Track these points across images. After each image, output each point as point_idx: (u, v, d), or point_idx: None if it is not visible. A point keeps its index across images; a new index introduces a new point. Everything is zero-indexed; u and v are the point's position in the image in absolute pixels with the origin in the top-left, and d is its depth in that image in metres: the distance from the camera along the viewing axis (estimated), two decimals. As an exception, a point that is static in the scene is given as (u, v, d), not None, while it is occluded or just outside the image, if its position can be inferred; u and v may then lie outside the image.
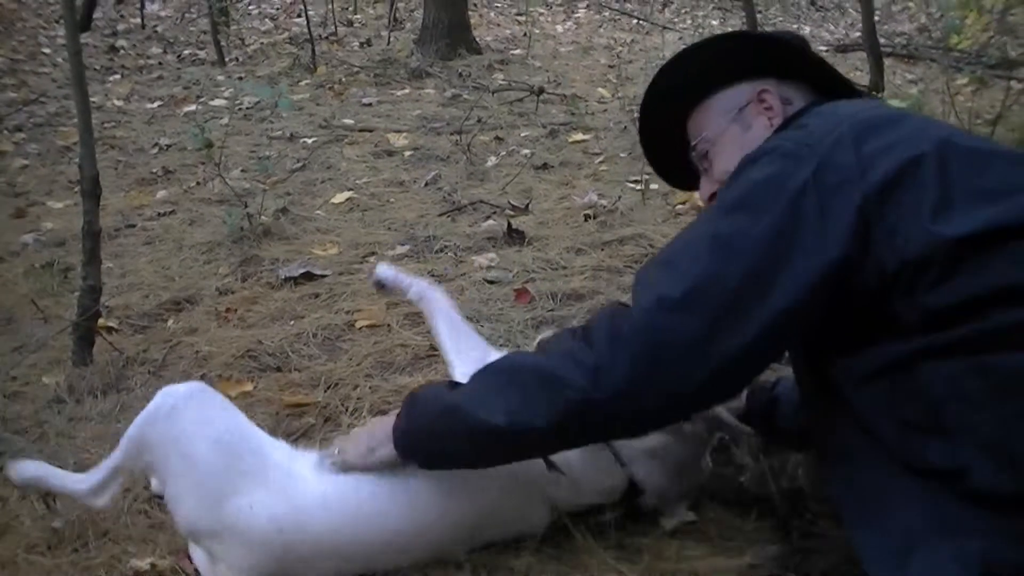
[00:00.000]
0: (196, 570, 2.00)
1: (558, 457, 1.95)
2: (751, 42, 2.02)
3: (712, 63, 1.97)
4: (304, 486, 1.96)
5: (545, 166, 5.41)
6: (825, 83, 1.93)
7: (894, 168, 1.52)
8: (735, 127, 1.92)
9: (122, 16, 12.24)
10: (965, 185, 1.52)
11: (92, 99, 7.10)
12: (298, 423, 2.65)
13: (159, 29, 11.74)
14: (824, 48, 9.85)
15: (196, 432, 1.95)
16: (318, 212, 4.73)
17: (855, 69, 8.43)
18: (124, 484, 2.09)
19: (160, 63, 9.92)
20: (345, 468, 1.98)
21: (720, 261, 1.56)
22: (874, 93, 6.61)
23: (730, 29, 10.53)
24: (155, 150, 6.32)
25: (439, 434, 1.81)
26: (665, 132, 2.06)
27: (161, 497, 2.05)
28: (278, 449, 2.05)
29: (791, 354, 1.83)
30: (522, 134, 6.23)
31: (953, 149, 1.57)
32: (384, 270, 2.44)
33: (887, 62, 7.83)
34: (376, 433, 1.95)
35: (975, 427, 1.39)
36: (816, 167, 1.56)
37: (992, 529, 1.36)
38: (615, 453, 2.06)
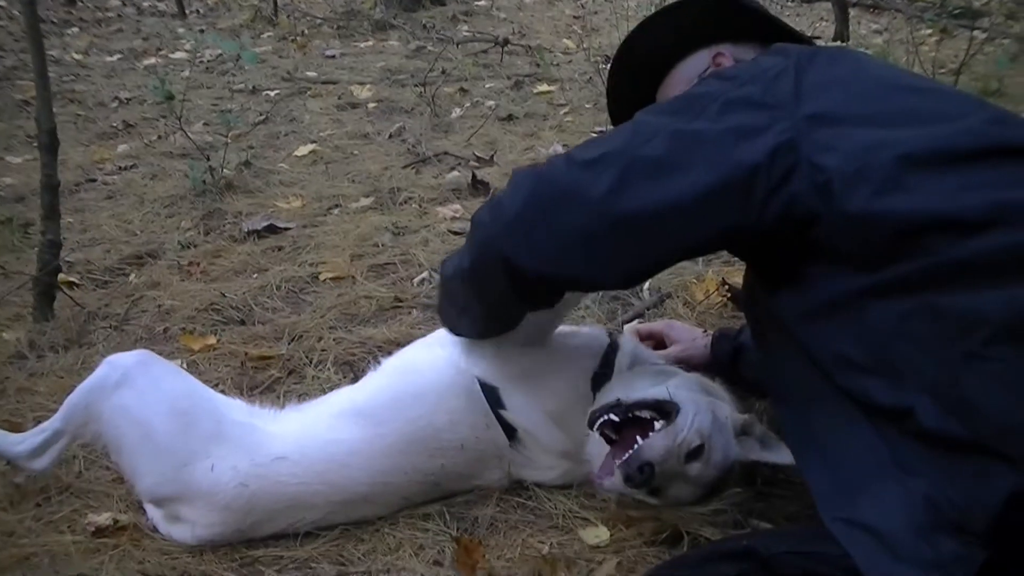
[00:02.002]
0: (155, 526, 2.00)
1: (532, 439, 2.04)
2: (701, 8, 2.04)
3: (668, 36, 2.04)
4: (265, 440, 1.97)
5: (510, 117, 5.39)
6: (779, 39, 1.95)
7: (832, 97, 1.57)
8: None
9: (80, -32, 12.03)
10: (906, 108, 1.56)
11: (50, 53, 7.03)
12: (262, 376, 2.64)
13: (118, -19, 11.57)
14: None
15: (149, 402, 1.95)
16: (281, 165, 4.69)
17: (821, 19, 8.42)
18: (70, 446, 2.09)
19: (119, 15, 9.77)
20: None
21: (638, 141, 1.61)
22: (839, 43, 6.61)
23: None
24: (115, 104, 6.24)
25: (447, 295, 2.03)
26: (635, 105, 2.08)
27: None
28: (235, 408, 2.06)
29: (742, 293, 1.87)
30: (487, 86, 6.19)
31: (892, 79, 1.64)
32: None
33: (852, 12, 7.83)
34: None
35: (921, 368, 1.40)
36: (753, 89, 1.60)
37: (937, 469, 1.37)
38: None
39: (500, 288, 1.79)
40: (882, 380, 1.45)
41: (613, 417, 1.92)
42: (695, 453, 1.92)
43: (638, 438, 1.88)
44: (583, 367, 2.10)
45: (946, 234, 1.41)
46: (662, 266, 1.78)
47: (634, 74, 2.10)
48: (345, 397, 2.11)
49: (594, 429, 1.93)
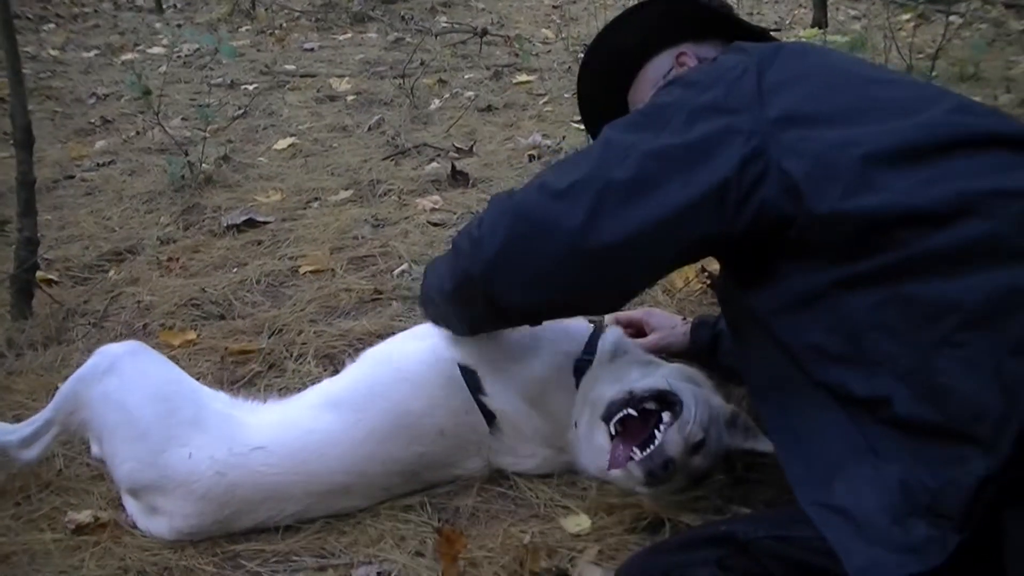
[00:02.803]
0: (134, 522, 2.00)
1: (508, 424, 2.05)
2: (662, 10, 2.06)
3: (632, 39, 2.06)
4: (244, 430, 1.97)
5: (489, 108, 5.38)
6: (743, 37, 1.97)
7: (796, 94, 1.58)
8: None
9: (56, -37, 11.95)
10: (870, 104, 1.58)
11: (26, 49, 7.01)
12: (243, 370, 2.63)
13: (94, -24, 11.50)
14: (768, -15, 9.82)
15: (133, 387, 1.97)
16: (260, 159, 4.68)
17: (799, 6, 8.44)
18: (57, 439, 2.10)
19: (96, 11, 9.72)
20: None
21: (608, 164, 1.61)
22: (818, 29, 6.62)
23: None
24: (93, 100, 6.20)
25: (428, 289, 2.02)
26: (608, 110, 2.10)
27: (102, 461, 2.05)
28: (217, 400, 2.07)
29: (717, 286, 1.88)
30: (466, 76, 6.18)
31: (856, 74, 1.66)
32: None
33: (830, -2, 7.83)
34: None
35: (895, 357, 1.41)
36: (717, 94, 1.61)
37: (911, 455, 1.38)
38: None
39: (483, 314, 1.84)
40: (857, 370, 1.46)
41: (632, 412, 1.92)
42: (698, 446, 1.93)
43: (655, 432, 1.88)
44: (566, 352, 2.10)
45: (916, 227, 1.43)
46: (644, 285, 1.86)
47: (603, 78, 2.12)
48: (324, 387, 2.11)
49: (611, 424, 1.93)
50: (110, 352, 2.03)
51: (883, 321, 1.43)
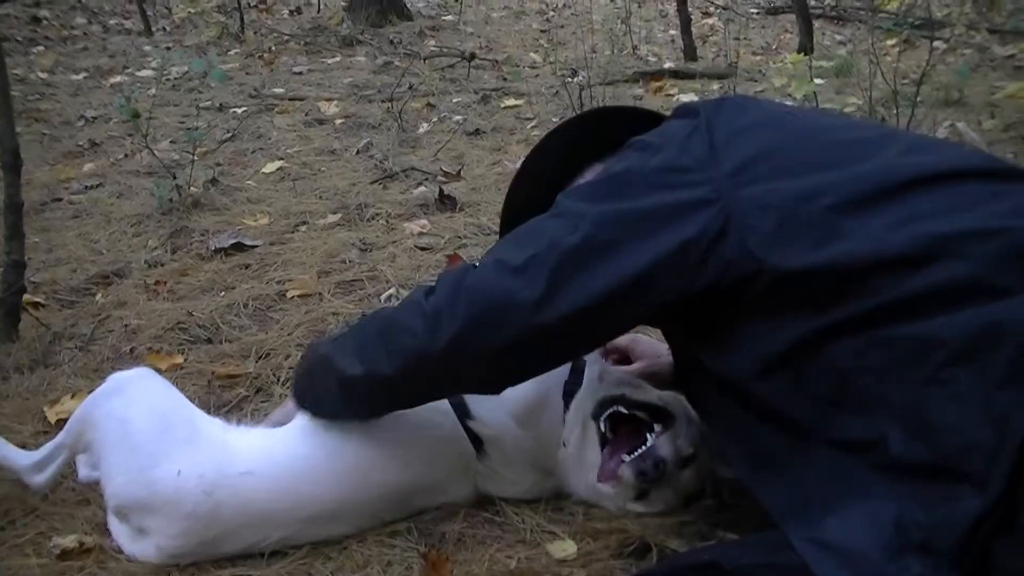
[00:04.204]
0: (120, 547, 1.99)
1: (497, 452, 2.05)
2: (580, 127, 2.06)
3: (556, 159, 2.04)
4: (235, 454, 1.98)
5: (477, 132, 5.40)
6: None
7: (748, 146, 1.59)
8: None
9: (45, -15, 11.95)
10: (821, 153, 1.59)
11: (15, 71, 7.01)
12: (230, 394, 2.63)
13: (83, -1, 11.51)
14: (755, 11, 9.90)
15: (134, 404, 2.02)
16: (248, 182, 4.68)
17: (785, 31, 8.50)
18: (67, 463, 2.13)
19: (85, 34, 9.73)
20: (269, 423, 2.15)
21: (563, 232, 1.60)
22: (803, 54, 6.67)
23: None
24: (81, 122, 6.21)
25: (317, 384, 1.95)
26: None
27: (90, 484, 2.08)
28: (213, 424, 2.09)
29: (677, 362, 1.92)
30: (454, 100, 6.21)
31: (802, 123, 1.68)
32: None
33: (816, 24, 7.90)
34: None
35: (886, 397, 1.42)
36: (669, 155, 1.62)
37: (904, 494, 1.38)
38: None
39: (430, 396, 1.89)
40: (855, 414, 1.46)
41: (622, 409, 1.96)
42: (688, 460, 1.97)
43: (648, 436, 1.93)
44: (555, 377, 2.10)
45: (890, 272, 1.43)
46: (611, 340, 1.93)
47: (536, 191, 2.05)
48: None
49: (600, 420, 1.97)
50: (120, 376, 2.10)
51: (869, 365, 1.43)
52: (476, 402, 2.05)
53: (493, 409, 2.05)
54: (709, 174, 1.56)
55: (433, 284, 1.73)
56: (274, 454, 2.00)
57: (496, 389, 1.85)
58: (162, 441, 1.96)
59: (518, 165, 2.13)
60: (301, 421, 2.08)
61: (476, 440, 2.06)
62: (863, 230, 1.46)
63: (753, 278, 1.52)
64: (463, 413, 2.05)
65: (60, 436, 2.09)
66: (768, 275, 1.51)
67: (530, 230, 1.69)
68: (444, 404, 2.04)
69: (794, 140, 1.62)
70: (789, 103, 1.87)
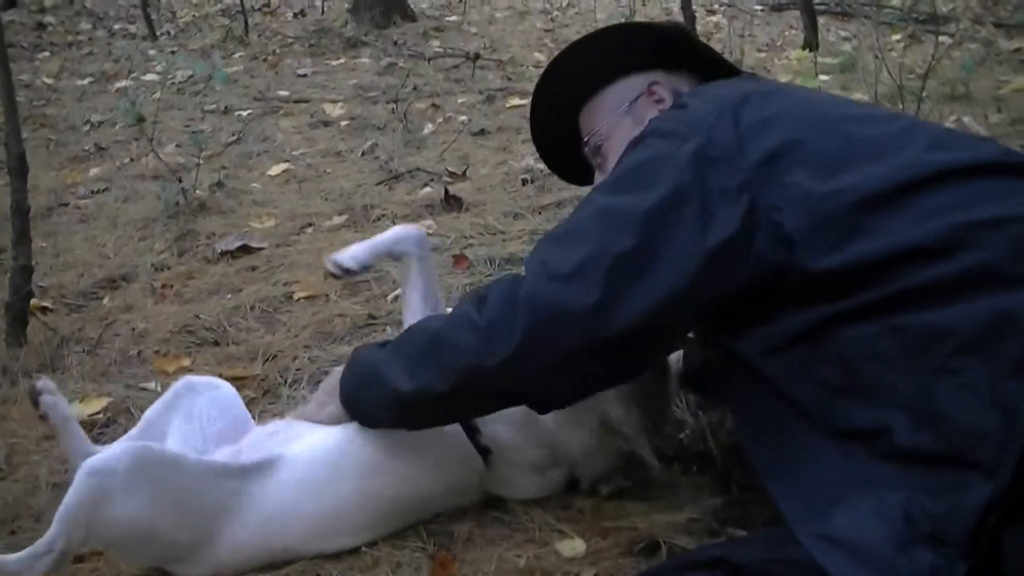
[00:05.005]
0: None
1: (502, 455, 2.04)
2: (635, 34, 2.04)
3: (599, 58, 2.01)
4: (255, 503, 1.95)
5: (482, 132, 5.39)
6: (711, 70, 1.97)
7: (775, 137, 1.57)
8: (627, 120, 1.95)
9: (50, -9, 11.96)
10: (849, 147, 1.58)
11: (20, 77, 7.02)
12: (237, 396, 2.63)
13: (88, 4, 11.51)
14: (759, 8, 9.86)
15: (147, 511, 1.84)
16: (254, 185, 4.69)
17: (790, 27, 8.48)
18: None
19: (90, 39, 9.72)
20: (302, 418, 2.06)
21: (610, 235, 1.58)
22: (808, 51, 6.65)
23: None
24: (87, 127, 6.21)
25: (368, 397, 1.89)
26: (558, 128, 2.09)
27: None
28: (227, 475, 1.96)
29: (695, 331, 1.89)
30: (459, 100, 6.20)
31: (831, 114, 1.66)
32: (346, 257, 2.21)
33: (821, 20, 7.87)
34: (328, 388, 2.01)
35: (894, 386, 1.42)
36: (698, 144, 1.59)
37: (912, 484, 1.38)
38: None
39: (481, 412, 1.88)
40: (860, 401, 1.46)
41: None
42: None
43: None
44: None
45: (910, 262, 1.44)
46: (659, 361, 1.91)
47: (558, 97, 2.07)
48: (323, 444, 2.04)
49: None
50: (105, 470, 1.81)
51: (880, 352, 1.43)
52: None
53: (501, 421, 2.03)
54: (738, 164, 1.56)
55: (480, 295, 1.69)
56: (294, 495, 1.97)
57: (547, 408, 1.84)
58: (198, 531, 1.90)
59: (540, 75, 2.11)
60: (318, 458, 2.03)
61: (483, 450, 2.05)
62: (885, 225, 1.46)
63: (781, 273, 1.52)
64: (470, 428, 2.03)
65: (58, 541, 1.78)
66: (794, 269, 1.51)
67: (572, 231, 1.67)
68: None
69: (819, 133, 1.60)
70: (811, 90, 1.86)
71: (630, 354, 1.65)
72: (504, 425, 2.03)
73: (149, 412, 2.15)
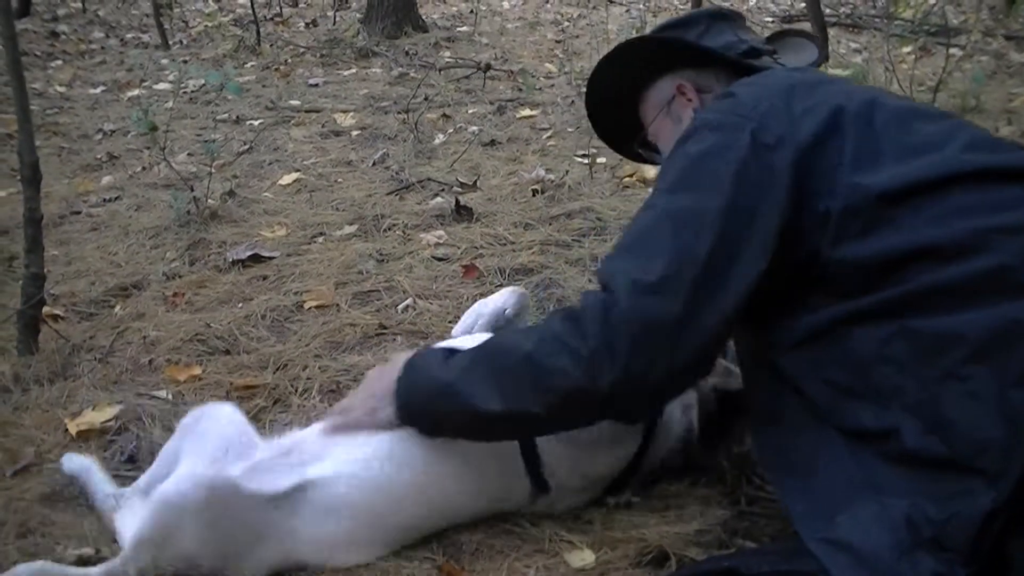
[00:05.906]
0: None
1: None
2: (655, 44, 2.09)
3: (631, 66, 2.07)
4: (291, 534, 1.94)
5: (493, 142, 5.40)
6: (744, 61, 1.99)
7: (822, 123, 1.59)
8: (667, 120, 2.03)
9: (63, 0, 12.00)
10: (890, 140, 1.57)
11: (33, 85, 7.05)
12: (248, 405, 2.63)
13: (101, 13, 11.54)
14: (770, 19, 9.87)
15: (210, 542, 1.87)
16: (265, 194, 4.70)
17: (800, 39, 8.46)
18: None
19: (103, 47, 9.76)
20: (349, 428, 1.99)
21: (686, 239, 1.59)
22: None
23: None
24: (99, 136, 6.23)
25: (439, 412, 1.85)
26: (615, 104, 2.14)
27: None
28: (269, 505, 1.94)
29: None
30: (470, 111, 6.21)
31: (877, 107, 1.65)
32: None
33: (832, 32, 7.87)
34: (378, 394, 1.96)
35: (903, 389, 1.42)
36: (751, 132, 1.61)
37: (917, 489, 1.39)
38: None
39: (570, 428, 1.88)
40: (868, 402, 1.47)
41: None
42: None
43: None
44: (631, 433, 2.09)
45: (923, 262, 1.45)
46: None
47: (607, 106, 2.15)
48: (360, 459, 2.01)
49: None
50: (170, 511, 1.86)
51: (891, 354, 1.44)
52: (548, 451, 2.02)
53: (565, 460, 2.04)
54: (790, 148, 1.58)
55: (572, 315, 1.68)
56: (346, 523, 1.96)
57: (637, 419, 1.91)
58: (238, 549, 1.89)
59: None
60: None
61: (543, 484, 2.05)
62: (907, 220, 1.48)
63: (813, 258, 1.55)
64: (534, 463, 2.03)
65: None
66: (823, 256, 1.53)
67: (644, 239, 1.67)
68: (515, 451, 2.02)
69: (856, 126, 1.61)
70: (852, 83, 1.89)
71: (713, 354, 1.70)
72: (565, 458, 2.04)
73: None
